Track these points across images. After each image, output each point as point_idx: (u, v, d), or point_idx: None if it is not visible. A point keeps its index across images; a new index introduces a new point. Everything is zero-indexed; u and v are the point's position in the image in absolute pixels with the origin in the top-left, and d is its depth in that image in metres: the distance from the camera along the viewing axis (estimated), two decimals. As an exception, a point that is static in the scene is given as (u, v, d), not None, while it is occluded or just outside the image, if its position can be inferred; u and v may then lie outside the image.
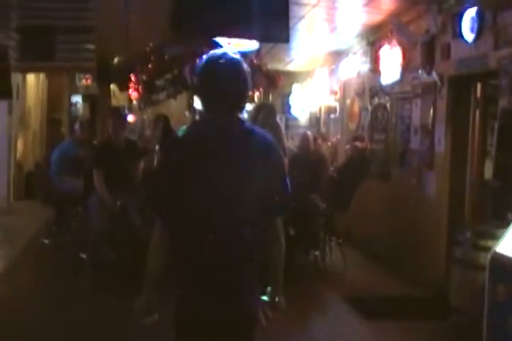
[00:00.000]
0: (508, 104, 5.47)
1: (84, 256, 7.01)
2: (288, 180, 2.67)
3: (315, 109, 11.97)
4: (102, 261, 6.81)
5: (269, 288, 2.77)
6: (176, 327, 2.61)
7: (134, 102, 10.55)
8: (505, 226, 4.37)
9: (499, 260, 4.08)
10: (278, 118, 12.39)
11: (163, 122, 8.07)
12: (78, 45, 5.04)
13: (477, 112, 6.48)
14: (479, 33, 5.88)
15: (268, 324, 2.73)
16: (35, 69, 7.17)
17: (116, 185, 6.73)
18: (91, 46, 4.98)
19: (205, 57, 2.67)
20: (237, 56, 2.68)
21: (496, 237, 4.42)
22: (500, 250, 4.12)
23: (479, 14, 5.85)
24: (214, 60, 2.60)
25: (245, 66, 2.65)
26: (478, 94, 6.48)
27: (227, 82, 2.54)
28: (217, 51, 2.65)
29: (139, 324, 2.65)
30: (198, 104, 12.34)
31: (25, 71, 7.87)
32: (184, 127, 7.60)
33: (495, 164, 5.57)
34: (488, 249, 4.35)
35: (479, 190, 6.26)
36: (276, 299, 2.73)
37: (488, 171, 5.99)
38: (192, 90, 2.44)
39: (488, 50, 5.78)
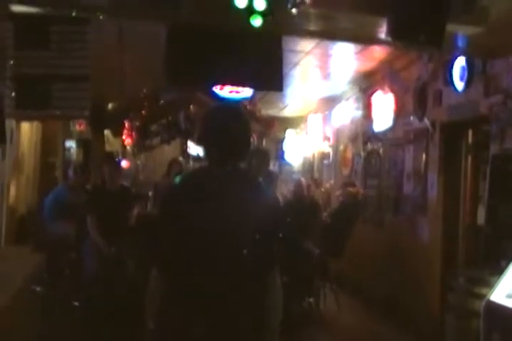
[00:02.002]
0: (499, 150, 5.52)
1: (76, 303, 6.89)
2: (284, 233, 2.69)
3: (308, 155, 12.04)
4: (96, 308, 6.69)
5: None
6: None
7: (128, 147, 10.61)
8: (499, 273, 4.34)
9: (493, 308, 4.04)
10: (271, 165, 12.51)
11: (177, 167, 8.00)
12: (73, 93, 5.08)
13: (469, 158, 6.52)
14: (469, 80, 5.98)
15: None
16: (30, 118, 7.22)
17: (110, 230, 6.69)
18: (86, 94, 5.03)
19: (209, 108, 2.74)
20: (239, 106, 2.76)
21: (489, 284, 4.38)
22: (494, 298, 4.08)
23: (469, 62, 5.96)
24: (217, 111, 2.71)
25: (246, 116, 2.73)
26: (470, 140, 6.54)
27: (230, 133, 2.60)
28: (222, 102, 2.73)
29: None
30: (192, 149, 12.41)
31: (20, 119, 7.92)
32: (179, 175, 7.59)
33: (487, 209, 5.57)
34: (481, 296, 4.31)
35: (472, 236, 6.24)
36: None
37: (481, 216, 5.99)
38: (194, 140, 2.52)
39: (479, 97, 5.86)
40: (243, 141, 2.67)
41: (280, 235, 2.68)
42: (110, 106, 9.99)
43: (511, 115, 5.26)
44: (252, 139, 9.07)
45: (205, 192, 2.55)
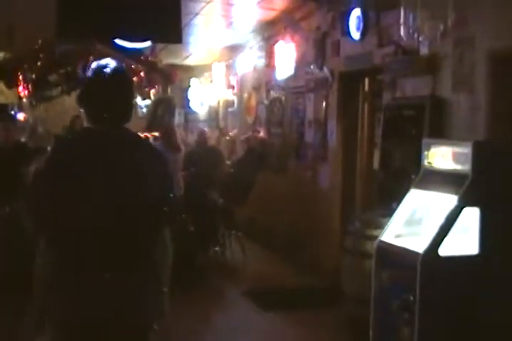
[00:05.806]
0: (391, 98, 5.77)
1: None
2: (175, 191, 2.73)
3: (214, 103, 12.06)
4: None
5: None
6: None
7: (24, 99, 10.19)
8: (390, 215, 4.60)
9: (383, 248, 4.31)
10: (177, 113, 12.42)
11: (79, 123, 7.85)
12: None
13: (365, 106, 6.78)
14: (364, 31, 6.16)
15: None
16: None
17: (3, 188, 6.49)
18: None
19: (91, 69, 2.70)
20: (122, 65, 2.74)
21: (382, 226, 4.64)
22: (384, 238, 4.35)
23: (364, 14, 6.13)
24: (98, 72, 2.64)
25: (129, 75, 2.73)
26: (366, 88, 6.78)
27: (112, 94, 2.60)
28: (102, 62, 2.68)
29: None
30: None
31: None
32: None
33: (380, 155, 5.84)
34: (374, 237, 4.57)
35: (368, 181, 6.54)
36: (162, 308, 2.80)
37: (376, 162, 6.25)
38: (78, 100, 2.45)
39: (373, 47, 6.07)
40: (126, 102, 2.67)
41: (171, 195, 2.69)
42: (1, 56, 9.52)
43: (402, 66, 5.46)
44: (149, 87, 8.74)
45: (92, 153, 2.54)
